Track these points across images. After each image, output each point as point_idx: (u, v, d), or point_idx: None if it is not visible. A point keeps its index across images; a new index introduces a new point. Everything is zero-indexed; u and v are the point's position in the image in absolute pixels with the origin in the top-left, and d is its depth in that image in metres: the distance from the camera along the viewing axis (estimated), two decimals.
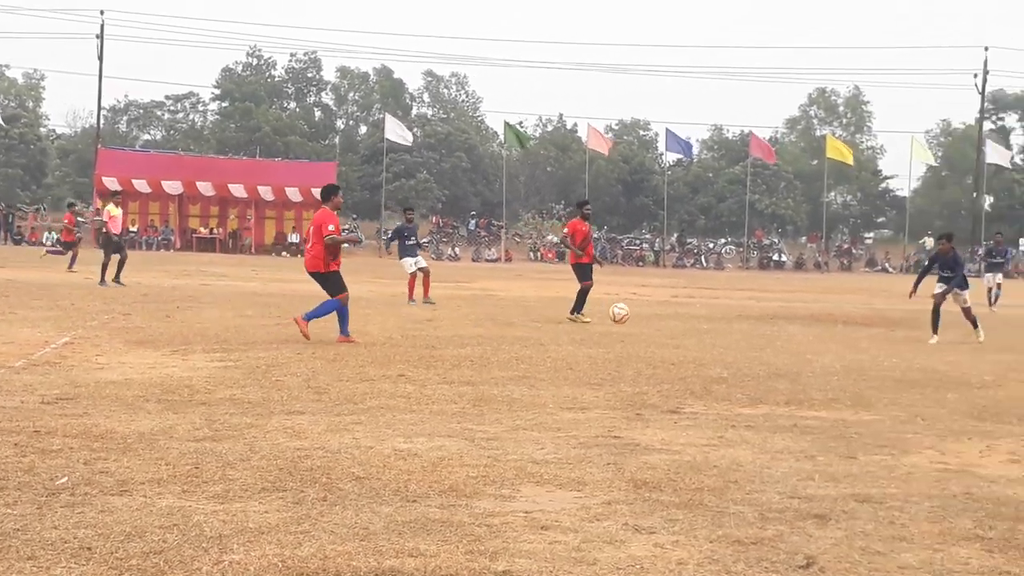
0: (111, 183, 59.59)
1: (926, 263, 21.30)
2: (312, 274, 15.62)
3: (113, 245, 26.49)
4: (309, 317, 15.12)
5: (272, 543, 5.33)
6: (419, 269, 24.23)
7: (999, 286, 31.07)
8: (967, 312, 19.52)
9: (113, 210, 27.31)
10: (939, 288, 19.25)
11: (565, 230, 21.45)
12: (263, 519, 5.77)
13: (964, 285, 19.41)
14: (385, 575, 4.89)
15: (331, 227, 15.39)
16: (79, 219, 37.79)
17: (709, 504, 6.44)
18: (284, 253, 61.56)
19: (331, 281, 15.42)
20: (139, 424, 8.36)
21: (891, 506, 6.52)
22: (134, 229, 59.57)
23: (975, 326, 19.35)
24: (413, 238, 25.00)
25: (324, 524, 5.71)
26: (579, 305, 20.12)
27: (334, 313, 15.21)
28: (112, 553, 5.10)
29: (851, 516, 6.25)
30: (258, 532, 5.52)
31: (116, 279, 25.58)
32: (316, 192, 61.45)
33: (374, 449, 7.68)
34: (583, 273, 20.36)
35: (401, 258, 24.79)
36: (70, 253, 33.63)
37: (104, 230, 26.90)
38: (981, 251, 70.15)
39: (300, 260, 50.31)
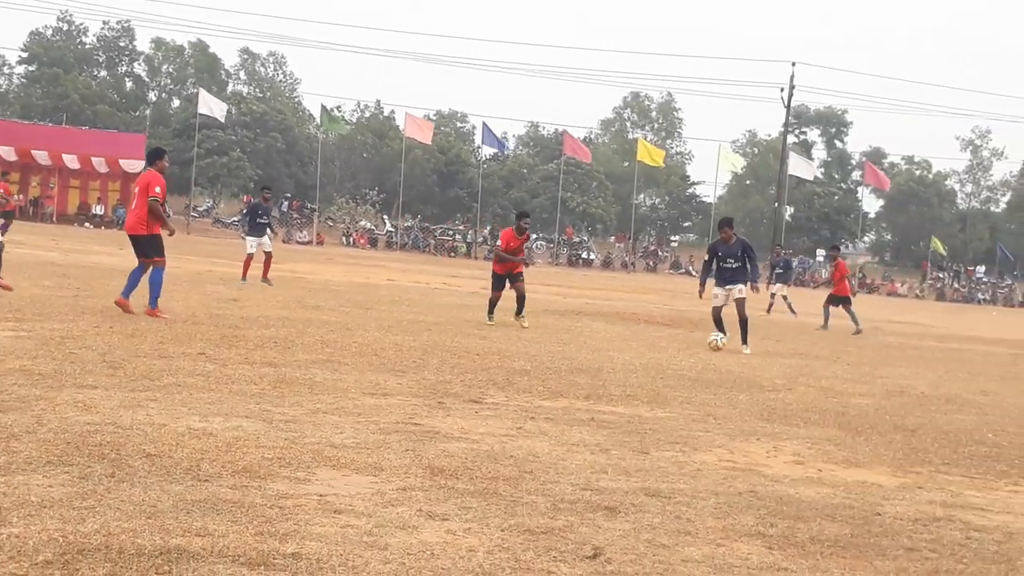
0: None
1: (706, 256, 18.75)
2: (133, 237, 15.34)
3: None
4: (154, 303, 14.86)
5: (54, 518, 5.16)
6: (264, 252, 24.56)
7: (785, 297, 32.13)
8: (742, 310, 17.75)
9: None
10: (717, 297, 17.91)
11: (499, 243, 20.02)
12: (46, 493, 5.59)
13: (748, 280, 17.76)
14: (171, 553, 4.79)
15: (157, 189, 15.23)
16: None
17: (503, 493, 6.49)
18: (87, 224, 59.79)
19: (152, 244, 15.19)
20: None
21: (679, 501, 6.68)
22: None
23: (744, 334, 17.77)
24: (266, 217, 25.19)
25: (110, 500, 5.56)
26: (490, 311, 19.21)
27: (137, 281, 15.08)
28: None
29: (640, 509, 6.38)
30: (40, 506, 5.34)
31: None
32: (124, 163, 59.37)
33: (168, 427, 7.52)
34: (496, 282, 19.33)
35: (248, 235, 25.17)
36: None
37: None
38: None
39: (104, 232, 48.83)
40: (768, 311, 31.39)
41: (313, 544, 5.13)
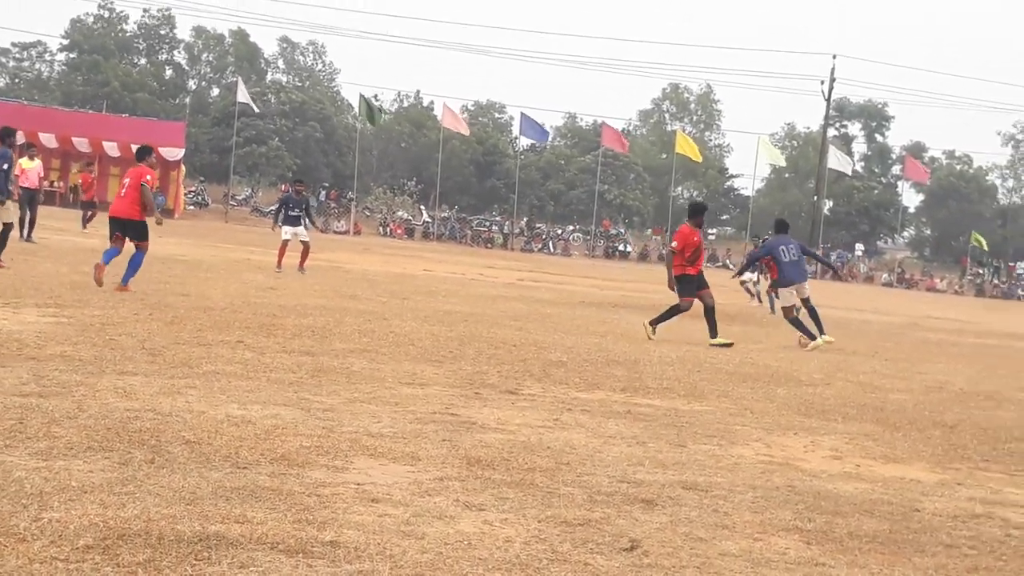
0: None
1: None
2: (124, 220, 16.58)
3: (25, 200, 25.67)
4: (127, 279, 15.95)
5: (95, 503, 5.21)
6: (300, 240, 24.72)
7: (756, 283, 30.93)
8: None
9: (26, 163, 26.68)
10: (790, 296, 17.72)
11: (674, 244, 17.12)
12: (87, 478, 5.64)
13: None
14: (210, 540, 4.81)
15: (148, 177, 16.64)
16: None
17: (540, 484, 6.49)
18: None
19: (142, 228, 16.65)
20: None
21: (716, 495, 6.66)
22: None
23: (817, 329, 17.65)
24: (297, 210, 25.17)
25: (150, 486, 5.60)
26: (661, 318, 16.92)
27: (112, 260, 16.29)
28: None
29: (677, 503, 6.37)
30: (81, 491, 5.38)
31: (27, 237, 24.86)
32: (164, 151, 59.62)
33: (207, 414, 7.57)
34: (685, 287, 16.78)
35: (282, 226, 25.19)
36: (88, 212, 34.83)
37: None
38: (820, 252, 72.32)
39: None
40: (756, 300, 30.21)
41: (351, 532, 5.15)
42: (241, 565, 4.57)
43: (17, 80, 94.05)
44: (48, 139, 58.81)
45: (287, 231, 24.76)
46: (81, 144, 59.89)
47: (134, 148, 18.85)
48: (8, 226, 18.33)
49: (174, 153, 60.97)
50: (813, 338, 17.48)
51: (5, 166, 18.78)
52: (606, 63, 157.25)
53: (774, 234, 18.58)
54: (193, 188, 69.52)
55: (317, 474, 6.25)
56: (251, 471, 6.14)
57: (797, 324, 17.97)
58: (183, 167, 63.57)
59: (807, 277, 18.35)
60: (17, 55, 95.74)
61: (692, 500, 6.47)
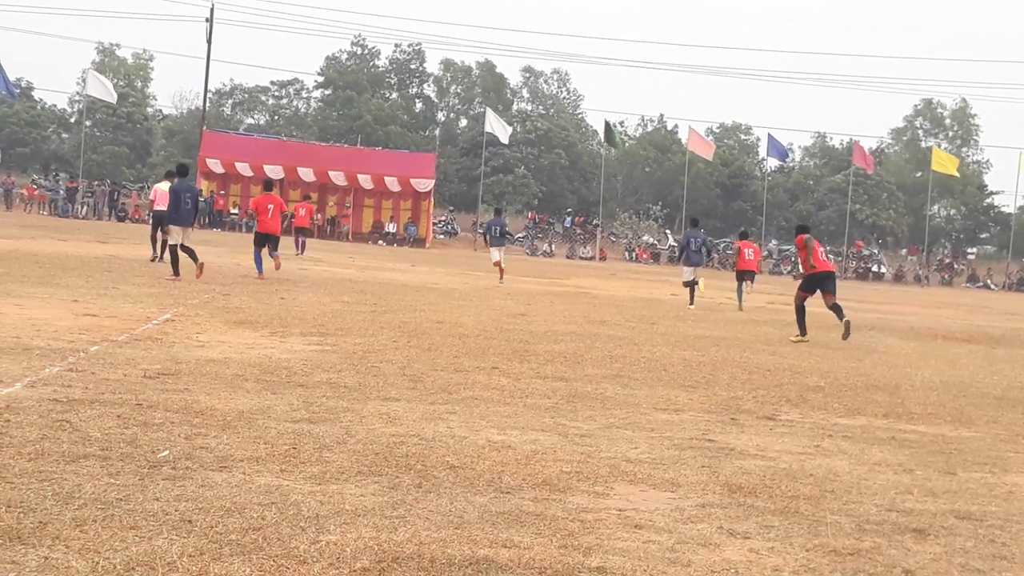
0: (215, 165, 60.76)
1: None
2: (270, 236, 23.67)
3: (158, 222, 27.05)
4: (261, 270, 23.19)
5: (368, 526, 5.37)
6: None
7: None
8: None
9: (162, 187, 28.06)
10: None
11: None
12: (359, 502, 5.82)
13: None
14: (479, 564, 4.90)
15: (285, 205, 26.12)
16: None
17: (805, 512, 6.36)
18: (380, 242, 62.01)
19: (278, 240, 23.83)
20: (238, 402, 8.47)
21: (992, 524, 6.39)
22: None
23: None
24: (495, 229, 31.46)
25: (419, 510, 5.74)
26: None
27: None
28: (212, 527, 5.16)
29: (950, 532, 6.14)
30: (354, 514, 5.56)
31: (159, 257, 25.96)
32: (414, 182, 61.71)
33: (468, 439, 7.71)
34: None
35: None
36: (301, 239, 36.75)
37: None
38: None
39: (396, 249, 50.73)
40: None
41: (616, 559, 5.15)
42: None
43: (276, 117, 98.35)
44: (306, 173, 61.35)
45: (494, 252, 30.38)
46: (337, 177, 62.17)
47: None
48: (172, 247, 21.54)
49: (425, 184, 62.65)
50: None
51: (189, 196, 22.15)
52: (855, 80, 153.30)
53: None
54: (443, 217, 71.20)
55: (579, 499, 6.28)
56: (515, 496, 6.21)
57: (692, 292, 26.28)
58: (432, 197, 65.18)
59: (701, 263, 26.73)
60: (276, 93, 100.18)
61: (966, 530, 6.22)
